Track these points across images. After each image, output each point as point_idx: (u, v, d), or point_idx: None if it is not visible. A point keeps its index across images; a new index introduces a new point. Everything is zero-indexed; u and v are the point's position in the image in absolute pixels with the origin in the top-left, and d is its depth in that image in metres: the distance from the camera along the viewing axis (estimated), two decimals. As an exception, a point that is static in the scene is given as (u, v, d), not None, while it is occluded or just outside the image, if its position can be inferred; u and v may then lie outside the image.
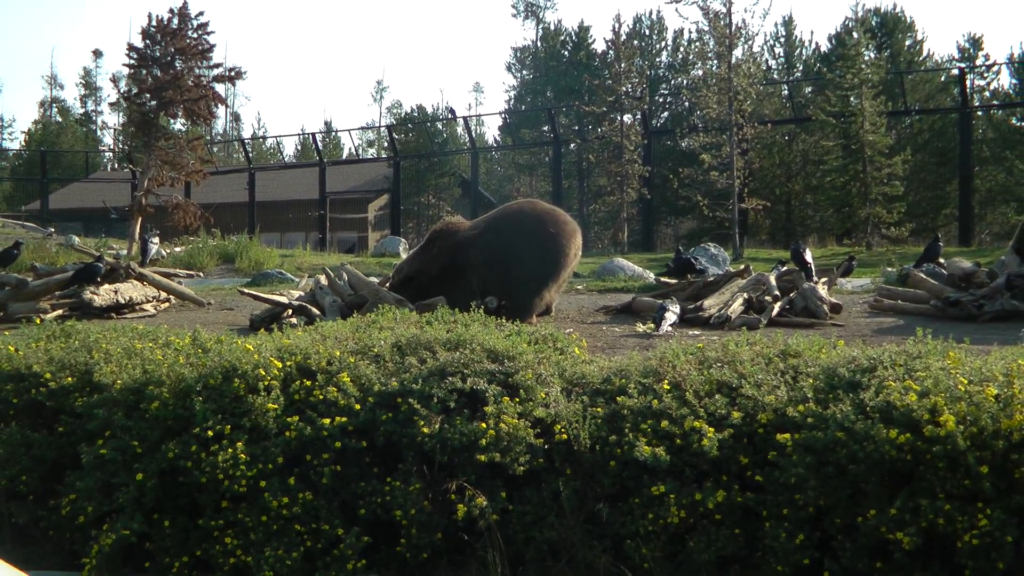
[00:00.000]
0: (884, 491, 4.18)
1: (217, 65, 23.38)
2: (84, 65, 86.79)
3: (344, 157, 48.64)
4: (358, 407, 4.92)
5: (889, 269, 12.65)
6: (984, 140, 31.38)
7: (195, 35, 22.32)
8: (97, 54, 72.27)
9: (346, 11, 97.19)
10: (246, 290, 10.86)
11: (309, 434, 4.84)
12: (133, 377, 5.29)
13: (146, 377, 5.26)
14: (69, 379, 5.47)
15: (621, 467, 4.61)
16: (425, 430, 4.73)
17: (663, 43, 43.13)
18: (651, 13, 48.82)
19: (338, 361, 5.25)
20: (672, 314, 8.55)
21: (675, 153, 34.02)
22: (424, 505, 4.69)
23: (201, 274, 16.59)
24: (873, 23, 36.30)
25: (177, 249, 20.03)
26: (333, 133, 56.09)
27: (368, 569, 4.78)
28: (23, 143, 55.09)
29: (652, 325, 8.43)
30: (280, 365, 5.17)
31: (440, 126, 41.12)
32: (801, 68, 39.73)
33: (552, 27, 48.08)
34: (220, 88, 24.04)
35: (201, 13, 22.62)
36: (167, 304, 11.48)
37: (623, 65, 31.42)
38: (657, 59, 42.80)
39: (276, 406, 4.94)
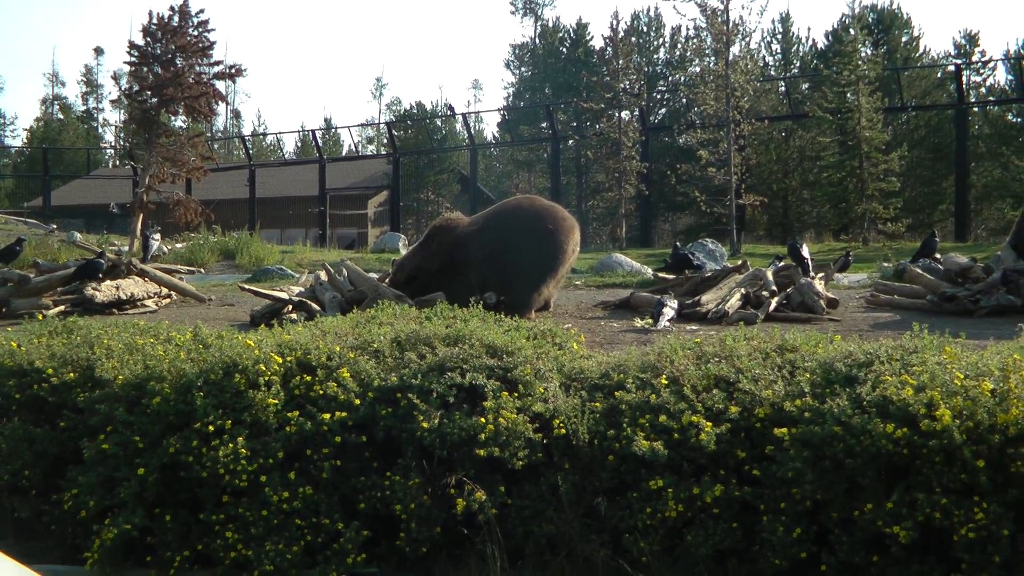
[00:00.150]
0: (881, 485, 4.21)
1: (217, 62, 23.43)
2: (85, 63, 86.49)
3: (344, 154, 48.57)
4: (358, 402, 4.95)
5: (885, 264, 12.66)
6: (980, 136, 31.43)
7: (195, 33, 22.38)
8: (98, 52, 72.31)
9: (346, 9, 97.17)
10: (246, 286, 10.87)
11: (309, 429, 4.88)
12: (134, 372, 5.32)
13: (147, 372, 5.28)
14: (71, 375, 5.51)
15: (619, 461, 4.65)
16: (424, 425, 4.76)
17: (661, 40, 43.16)
18: (649, 10, 49.10)
19: (338, 356, 5.27)
20: (670, 309, 8.56)
21: (673, 149, 34.00)
22: (423, 499, 4.72)
23: (202, 270, 16.58)
24: (870, 19, 36.30)
25: (178, 245, 20.02)
26: (333, 130, 56.09)
27: (368, 563, 4.80)
28: (25, 140, 55.23)
29: (650, 320, 8.44)
30: (280, 360, 5.20)
31: (439, 123, 41.17)
32: (798, 64, 39.76)
33: (550, 24, 48.15)
34: (220, 85, 24.22)
35: (201, 11, 22.71)
36: (168, 300, 11.47)
37: (621, 62, 31.44)
38: (655, 56, 42.82)
39: (276, 401, 4.97)
